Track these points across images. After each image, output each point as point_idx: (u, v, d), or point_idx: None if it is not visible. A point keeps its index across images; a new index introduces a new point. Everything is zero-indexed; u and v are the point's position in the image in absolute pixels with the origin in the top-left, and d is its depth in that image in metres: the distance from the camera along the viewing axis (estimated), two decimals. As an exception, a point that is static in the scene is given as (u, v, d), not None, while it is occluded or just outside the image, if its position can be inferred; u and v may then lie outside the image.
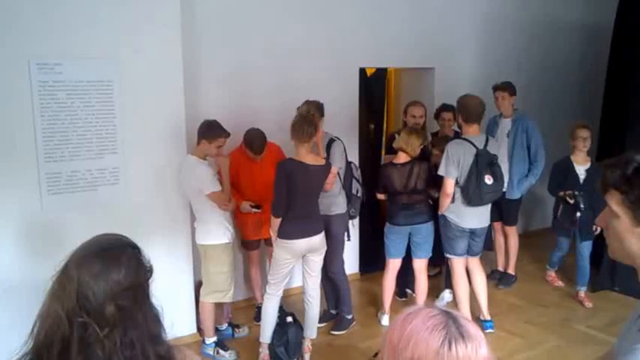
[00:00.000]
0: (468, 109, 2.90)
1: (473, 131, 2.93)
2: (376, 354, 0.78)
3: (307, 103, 2.94)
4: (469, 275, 3.13)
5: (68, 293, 0.83)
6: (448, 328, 0.72)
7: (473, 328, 0.74)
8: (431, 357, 0.70)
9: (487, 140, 2.94)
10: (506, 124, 3.63)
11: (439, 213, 3.03)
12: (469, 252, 3.09)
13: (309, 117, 2.59)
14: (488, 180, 2.84)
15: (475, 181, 2.83)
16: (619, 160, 0.92)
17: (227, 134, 2.70)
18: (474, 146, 2.87)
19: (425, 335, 0.71)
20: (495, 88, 3.61)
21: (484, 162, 2.85)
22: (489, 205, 3.03)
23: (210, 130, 2.66)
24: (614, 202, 0.91)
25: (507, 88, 3.58)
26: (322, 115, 3.00)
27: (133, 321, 0.84)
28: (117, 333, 0.83)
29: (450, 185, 2.90)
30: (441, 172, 2.91)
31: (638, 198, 0.88)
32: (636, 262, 0.93)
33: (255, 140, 2.93)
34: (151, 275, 0.91)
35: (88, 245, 0.89)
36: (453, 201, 2.94)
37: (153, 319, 0.88)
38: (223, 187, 2.71)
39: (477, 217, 2.99)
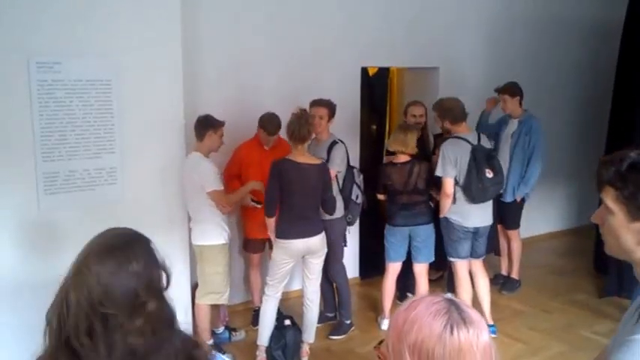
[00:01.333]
0: (453, 111, 2.93)
1: (463, 129, 2.93)
2: (381, 342, 0.81)
3: (319, 102, 2.92)
4: (472, 279, 3.08)
5: (90, 286, 0.86)
6: (450, 313, 0.74)
7: (475, 314, 0.76)
8: (434, 341, 0.72)
9: (479, 136, 2.93)
10: (513, 125, 3.61)
11: (440, 216, 2.99)
12: (472, 254, 3.05)
13: (303, 118, 2.57)
14: (489, 174, 2.83)
15: (476, 176, 2.80)
16: (613, 156, 0.93)
17: (223, 122, 2.78)
18: (469, 143, 2.84)
19: (428, 320, 0.74)
20: (497, 92, 3.60)
21: (482, 156, 2.83)
22: (491, 203, 2.98)
23: (212, 121, 2.71)
24: (609, 199, 0.92)
25: (507, 90, 3.56)
26: (333, 115, 2.98)
27: (154, 308, 0.88)
28: (140, 322, 0.86)
29: (449, 185, 2.87)
30: (438, 172, 2.89)
31: (632, 194, 0.89)
32: (632, 258, 0.94)
33: (272, 121, 2.93)
34: (164, 267, 0.95)
35: (104, 239, 0.93)
36: (454, 201, 2.90)
37: (168, 307, 0.93)
38: (230, 197, 2.72)
39: (481, 216, 2.95)
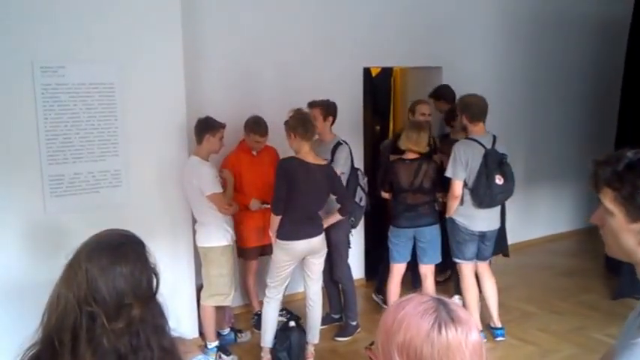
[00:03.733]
0: (472, 108, 2.83)
1: (479, 130, 2.85)
2: (372, 343, 0.80)
3: (312, 104, 2.90)
4: (478, 281, 3.03)
5: (79, 282, 0.87)
6: (438, 312, 0.74)
7: (464, 314, 0.76)
8: (422, 339, 0.72)
9: (495, 139, 2.85)
10: None
11: (447, 216, 2.95)
12: (478, 256, 3.00)
13: (305, 116, 2.58)
14: (499, 180, 2.76)
15: (486, 181, 2.74)
16: (610, 157, 0.92)
17: (224, 125, 2.76)
18: (482, 146, 2.79)
19: (416, 319, 0.73)
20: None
21: (494, 162, 2.76)
22: (499, 208, 2.93)
23: (211, 124, 2.70)
24: (608, 200, 0.91)
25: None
26: (329, 114, 2.96)
27: (138, 314, 0.88)
28: (123, 324, 0.86)
29: (457, 187, 2.82)
30: (448, 173, 2.84)
31: (630, 194, 0.88)
32: (633, 259, 0.92)
33: (260, 122, 2.92)
34: (155, 272, 0.94)
35: (99, 238, 0.94)
36: (461, 203, 2.86)
37: (158, 312, 0.92)
38: (226, 194, 2.73)
39: (488, 220, 2.90)
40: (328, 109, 2.96)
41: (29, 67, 2.50)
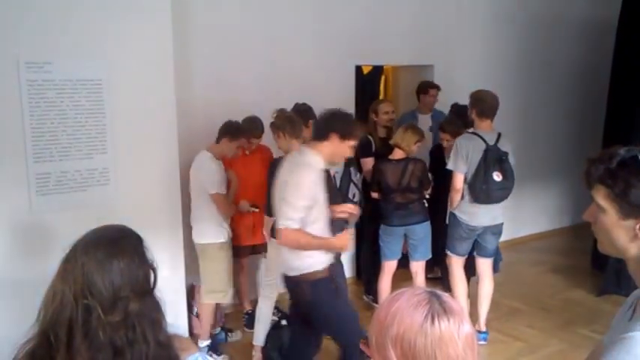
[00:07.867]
0: (483, 103, 2.80)
1: (485, 126, 2.84)
2: (366, 338, 0.81)
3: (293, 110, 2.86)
4: (476, 280, 3.05)
5: (75, 276, 0.87)
6: (431, 304, 0.75)
7: (456, 305, 0.77)
8: (415, 331, 0.73)
9: (499, 137, 2.83)
10: (426, 120, 3.67)
11: (449, 209, 2.94)
12: (481, 253, 2.99)
13: (289, 115, 2.62)
14: (497, 177, 2.76)
15: (483, 176, 2.74)
16: (602, 154, 0.93)
17: (243, 134, 2.80)
18: (484, 141, 2.78)
19: (409, 311, 0.74)
20: (432, 87, 3.81)
21: (493, 158, 2.76)
22: (502, 204, 2.91)
23: (234, 129, 2.75)
24: (600, 197, 0.92)
25: (438, 87, 3.83)
26: (312, 118, 2.95)
27: (135, 307, 0.88)
28: (119, 317, 0.86)
29: (458, 180, 2.82)
30: (449, 166, 2.86)
31: (623, 191, 0.89)
32: (624, 255, 0.93)
33: (257, 123, 2.93)
34: (153, 267, 0.94)
35: (96, 233, 0.94)
36: (462, 198, 2.86)
37: (154, 307, 0.92)
38: (229, 194, 2.76)
39: (489, 215, 2.87)
40: (302, 115, 2.91)
41: (14, 63, 2.45)
